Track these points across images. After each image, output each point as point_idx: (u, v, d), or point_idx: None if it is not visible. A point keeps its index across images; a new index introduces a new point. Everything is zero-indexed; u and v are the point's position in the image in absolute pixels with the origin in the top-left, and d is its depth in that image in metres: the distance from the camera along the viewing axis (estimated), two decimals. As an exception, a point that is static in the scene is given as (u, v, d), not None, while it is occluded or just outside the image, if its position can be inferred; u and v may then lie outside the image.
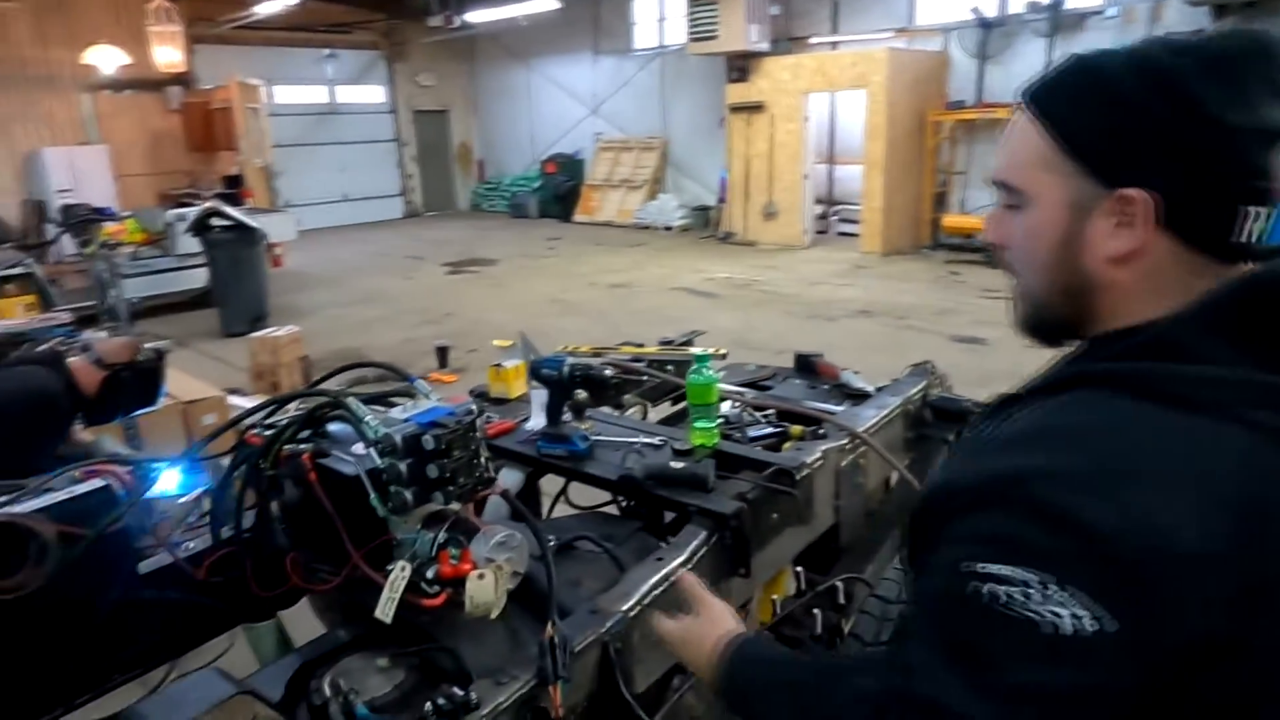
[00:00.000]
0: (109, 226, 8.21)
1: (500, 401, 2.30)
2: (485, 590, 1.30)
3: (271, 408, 1.65)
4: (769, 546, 1.74)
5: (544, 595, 1.36)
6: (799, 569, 2.02)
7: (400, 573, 1.35)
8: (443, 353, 6.50)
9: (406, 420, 1.40)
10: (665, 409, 2.77)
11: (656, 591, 1.47)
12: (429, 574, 1.34)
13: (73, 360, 2.90)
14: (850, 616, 1.96)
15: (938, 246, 11.04)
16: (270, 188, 11.39)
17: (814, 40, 12.27)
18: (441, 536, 1.39)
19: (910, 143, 10.92)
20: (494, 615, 1.31)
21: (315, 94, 15.82)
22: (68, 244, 10.98)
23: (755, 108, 11.87)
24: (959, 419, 2.31)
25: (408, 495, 1.37)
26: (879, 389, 2.48)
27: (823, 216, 12.76)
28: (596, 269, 10.61)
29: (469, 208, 18.11)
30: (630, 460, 1.74)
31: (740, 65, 11.94)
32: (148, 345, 3.04)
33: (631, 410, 2.71)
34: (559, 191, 15.66)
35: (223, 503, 1.57)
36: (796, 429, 2.07)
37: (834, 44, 12.09)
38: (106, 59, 12.16)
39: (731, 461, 1.85)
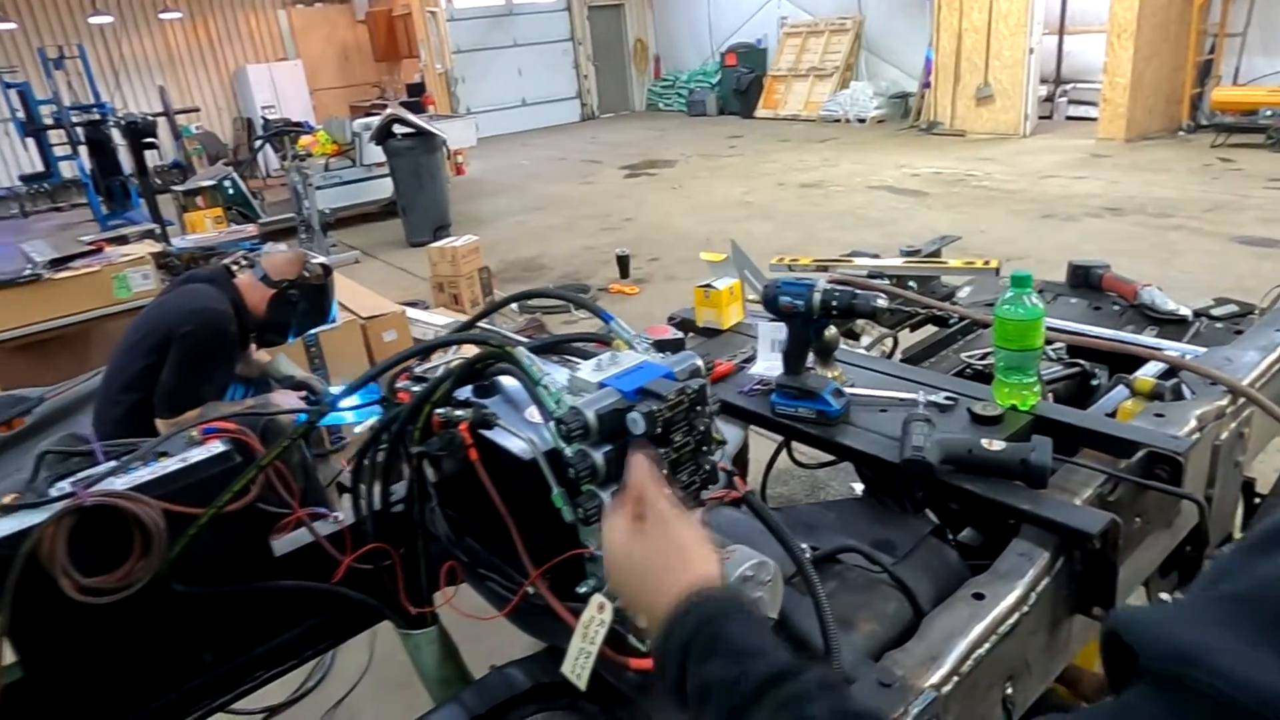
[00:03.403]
0: (302, 139, 8.37)
1: (710, 333, 1.79)
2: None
3: (422, 353, 1.24)
4: (1124, 565, 1.15)
5: (812, 654, 0.86)
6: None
7: (598, 614, 0.91)
8: (624, 262, 6.10)
9: (603, 385, 0.93)
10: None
11: (982, 651, 0.94)
12: (640, 619, 0.88)
13: (240, 278, 2.69)
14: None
15: (1199, 128, 9.18)
16: (451, 94, 11.33)
17: (1048, -118, 10.33)
18: (655, 559, 0.92)
19: (1169, 0, 9.01)
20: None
21: (492, -6, 15.56)
22: (274, 159, 11.57)
23: (972, -29, 10.27)
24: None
25: (605, 498, 0.91)
26: (1198, 313, 1.86)
27: (1047, 99, 11.02)
28: (783, 167, 9.76)
29: (645, 108, 17.47)
30: (914, 430, 1.19)
31: (955, -79, 10.32)
32: (314, 260, 2.79)
33: (868, 342, 2.12)
34: (739, 85, 14.64)
35: (363, 477, 1.18)
36: (1145, 382, 1.42)
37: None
38: (297, -30, 12.42)
39: (1052, 429, 1.26)
